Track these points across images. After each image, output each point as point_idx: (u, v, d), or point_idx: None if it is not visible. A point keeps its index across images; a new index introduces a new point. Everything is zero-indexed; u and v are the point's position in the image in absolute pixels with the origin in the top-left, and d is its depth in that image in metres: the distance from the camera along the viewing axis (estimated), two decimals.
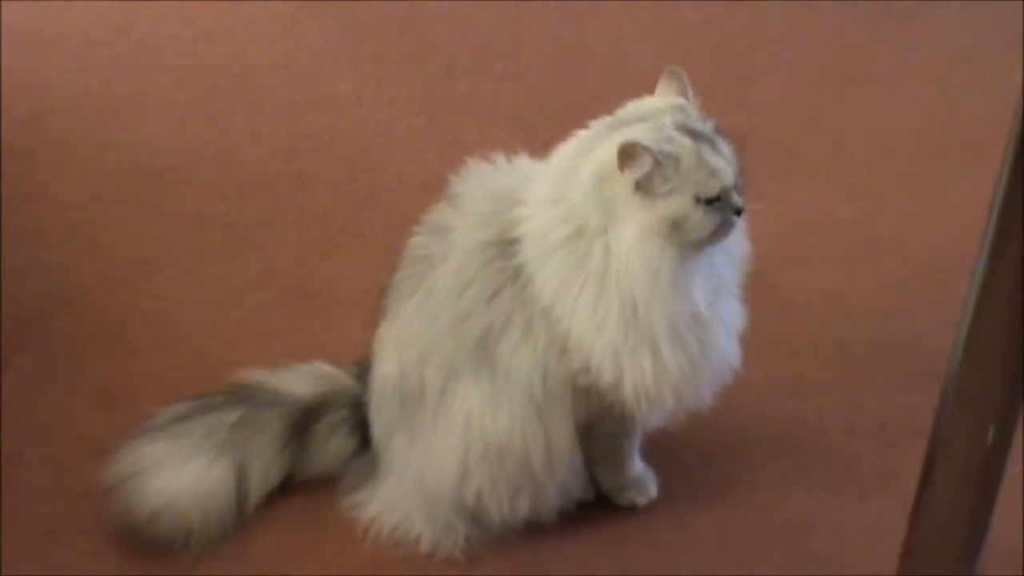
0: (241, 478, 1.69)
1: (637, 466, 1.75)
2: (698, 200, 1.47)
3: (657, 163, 1.45)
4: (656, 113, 1.52)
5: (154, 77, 2.69)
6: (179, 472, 1.67)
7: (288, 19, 2.90)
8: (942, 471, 1.22)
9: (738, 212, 1.50)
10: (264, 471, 1.71)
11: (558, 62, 2.77)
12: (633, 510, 1.75)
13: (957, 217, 2.09)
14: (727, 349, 1.59)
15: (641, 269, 1.49)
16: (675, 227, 1.47)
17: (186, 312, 2.09)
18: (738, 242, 1.59)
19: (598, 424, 1.64)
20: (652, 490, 1.76)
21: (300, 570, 1.66)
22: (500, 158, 1.63)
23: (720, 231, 1.50)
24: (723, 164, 1.48)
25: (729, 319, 1.60)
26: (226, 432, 1.70)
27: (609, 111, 1.56)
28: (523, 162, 1.63)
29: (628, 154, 1.45)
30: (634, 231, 1.48)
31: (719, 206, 1.48)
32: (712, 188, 1.47)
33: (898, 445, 1.84)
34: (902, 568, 1.30)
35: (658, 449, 1.78)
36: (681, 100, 1.53)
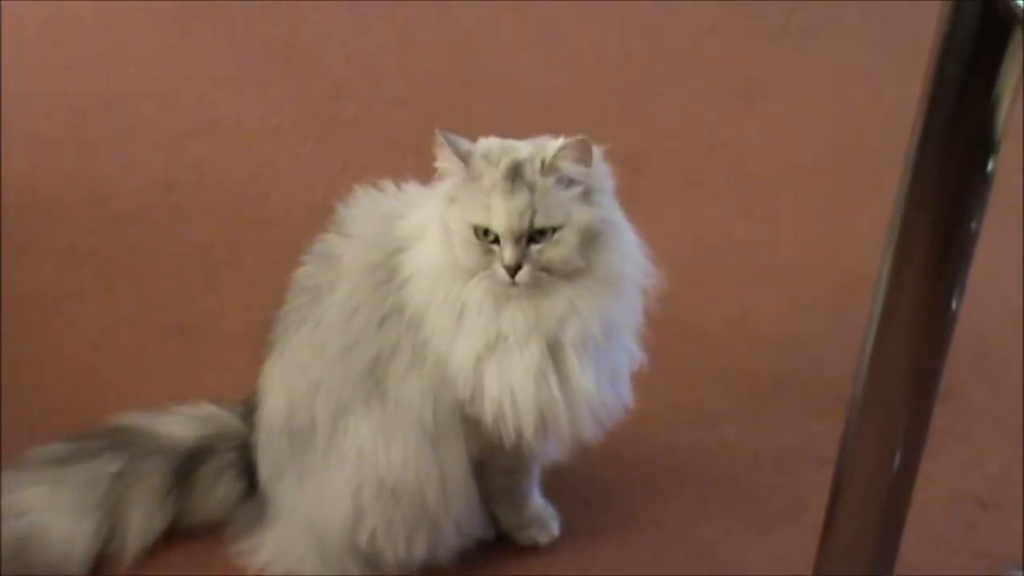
0: (114, 534, 1.67)
1: (537, 503, 1.74)
2: (470, 224, 1.46)
3: (461, 165, 1.46)
4: (525, 146, 1.50)
5: (21, 106, 2.64)
6: (57, 522, 1.65)
7: (165, 43, 2.87)
8: (849, 499, 1.22)
9: (508, 269, 1.45)
10: (146, 521, 1.67)
11: (449, 86, 2.77)
12: (535, 549, 1.74)
13: (859, 238, 2.12)
14: (593, 388, 1.53)
15: (424, 264, 1.51)
16: (445, 233, 1.48)
17: (57, 353, 2.05)
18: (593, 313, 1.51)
19: (492, 458, 1.62)
20: (553, 528, 1.75)
21: None
22: (389, 184, 1.62)
23: (479, 268, 1.47)
24: (501, 209, 1.45)
25: (608, 361, 1.54)
26: (107, 483, 1.67)
27: (500, 135, 1.54)
28: (412, 188, 1.62)
29: (439, 143, 1.47)
30: (433, 224, 1.51)
31: (483, 245, 1.46)
32: (475, 218, 1.46)
33: (803, 473, 1.85)
34: None
35: (559, 485, 1.77)
36: (554, 147, 1.47)
